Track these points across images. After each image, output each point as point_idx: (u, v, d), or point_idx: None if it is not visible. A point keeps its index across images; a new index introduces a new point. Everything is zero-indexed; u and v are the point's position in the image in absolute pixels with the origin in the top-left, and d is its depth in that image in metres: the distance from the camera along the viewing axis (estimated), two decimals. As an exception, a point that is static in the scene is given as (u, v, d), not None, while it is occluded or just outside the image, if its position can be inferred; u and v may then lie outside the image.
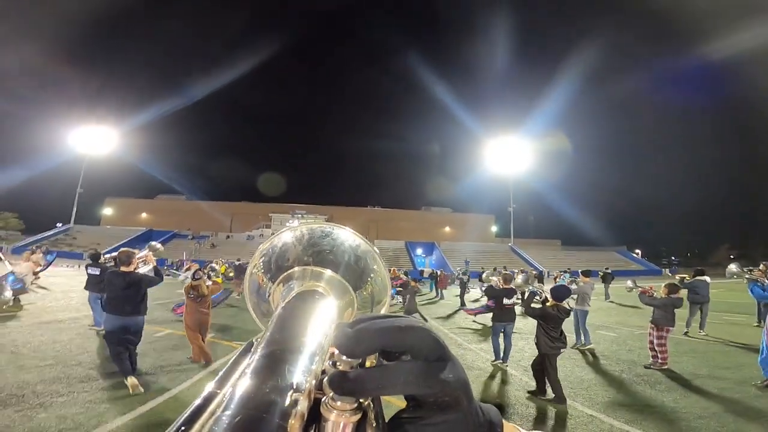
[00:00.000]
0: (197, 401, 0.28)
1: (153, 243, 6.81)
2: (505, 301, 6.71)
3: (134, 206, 61.53)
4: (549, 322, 5.22)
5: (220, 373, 0.32)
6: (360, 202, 69.30)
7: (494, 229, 64.32)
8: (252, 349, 0.32)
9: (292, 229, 0.52)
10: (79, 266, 26.59)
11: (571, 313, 6.74)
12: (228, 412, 0.23)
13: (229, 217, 59.05)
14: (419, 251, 50.96)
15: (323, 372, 0.30)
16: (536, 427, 4.19)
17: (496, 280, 8.62)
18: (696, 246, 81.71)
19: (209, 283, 6.66)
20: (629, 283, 9.06)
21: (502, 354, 6.69)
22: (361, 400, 0.27)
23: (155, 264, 5.87)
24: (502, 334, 6.79)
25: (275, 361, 0.29)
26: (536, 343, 5.38)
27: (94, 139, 51.96)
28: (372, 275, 0.50)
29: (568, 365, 6.60)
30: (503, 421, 0.33)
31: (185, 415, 0.26)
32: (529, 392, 5.36)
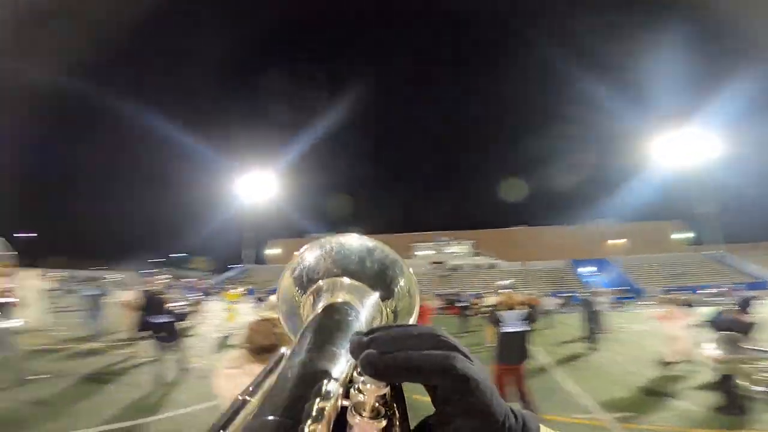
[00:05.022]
0: (230, 408, 0.30)
1: None
2: None
3: (293, 245, 67.65)
4: None
5: (252, 382, 0.34)
6: (506, 223, 63.79)
7: (679, 236, 52.97)
8: (283, 359, 0.35)
9: (321, 242, 0.52)
10: (260, 299, 29.24)
11: None
12: (258, 418, 0.25)
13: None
14: (587, 269, 44.03)
15: (350, 381, 0.32)
16: None
17: None
18: None
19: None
20: None
21: None
22: (386, 409, 0.29)
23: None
24: None
25: (303, 370, 0.30)
26: None
27: (254, 185, 59.46)
28: (400, 285, 0.50)
29: None
30: (542, 426, 0.33)
31: (218, 422, 0.28)
32: None
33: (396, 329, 0.31)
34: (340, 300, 0.45)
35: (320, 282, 0.48)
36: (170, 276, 10.86)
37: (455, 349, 0.30)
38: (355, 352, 0.29)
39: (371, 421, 0.28)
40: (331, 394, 0.29)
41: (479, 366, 0.30)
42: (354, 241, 0.52)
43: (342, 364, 0.32)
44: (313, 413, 0.26)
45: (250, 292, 22.70)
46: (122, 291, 10.48)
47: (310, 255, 0.51)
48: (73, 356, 7.93)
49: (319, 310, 0.43)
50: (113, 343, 9.03)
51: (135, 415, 4.96)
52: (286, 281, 0.51)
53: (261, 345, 1.98)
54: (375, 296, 0.48)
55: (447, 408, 0.29)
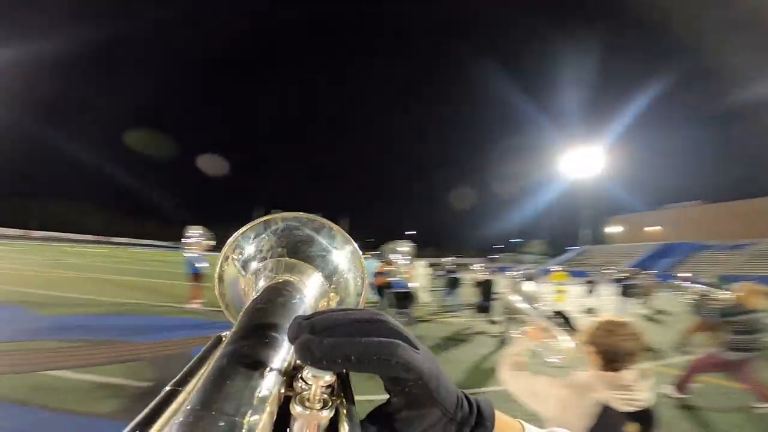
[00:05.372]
0: (155, 400, 0.26)
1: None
2: None
3: (640, 220, 58.75)
4: None
5: (183, 370, 0.30)
6: None
7: None
8: (220, 345, 0.31)
9: (266, 220, 0.50)
10: (590, 282, 24.63)
11: None
12: (191, 413, 0.21)
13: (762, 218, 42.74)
14: None
15: (294, 368, 0.29)
16: None
17: None
18: None
19: None
20: None
21: None
22: (332, 400, 0.27)
23: None
24: None
25: (243, 358, 0.27)
26: None
27: (584, 161, 54.66)
28: (348, 266, 0.49)
29: None
30: (498, 413, 0.32)
31: (142, 415, 0.24)
32: None
33: (337, 313, 0.27)
34: (282, 280, 0.42)
35: (264, 261, 0.46)
36: (490, 266, 12.16)
37: (400, 336, 0.27)
38: (292, 337, 0.26)
39: (316, 413, 0.25)
40: (272, 384, 0.26)
41: (425, 354, 0.28)
42: (301, 219, 0.50)
43: (284, 351, 0.29)
44: (253, 405, 0.23)
45: (579, 274, 21.31)
46: (466, 274, 12.77)
47: (253, 233, 0.49)
48: (438, 324, 9.33)
49: (262, 292, 0.40)
50: (458, 316, 10.32)
51: (480, 380, 5.22)
52: (227, 260, 0.48)
53: (616, 349, 1.45)
54: (320, 277, 0.46)
55: (393, 398, 0.28)
